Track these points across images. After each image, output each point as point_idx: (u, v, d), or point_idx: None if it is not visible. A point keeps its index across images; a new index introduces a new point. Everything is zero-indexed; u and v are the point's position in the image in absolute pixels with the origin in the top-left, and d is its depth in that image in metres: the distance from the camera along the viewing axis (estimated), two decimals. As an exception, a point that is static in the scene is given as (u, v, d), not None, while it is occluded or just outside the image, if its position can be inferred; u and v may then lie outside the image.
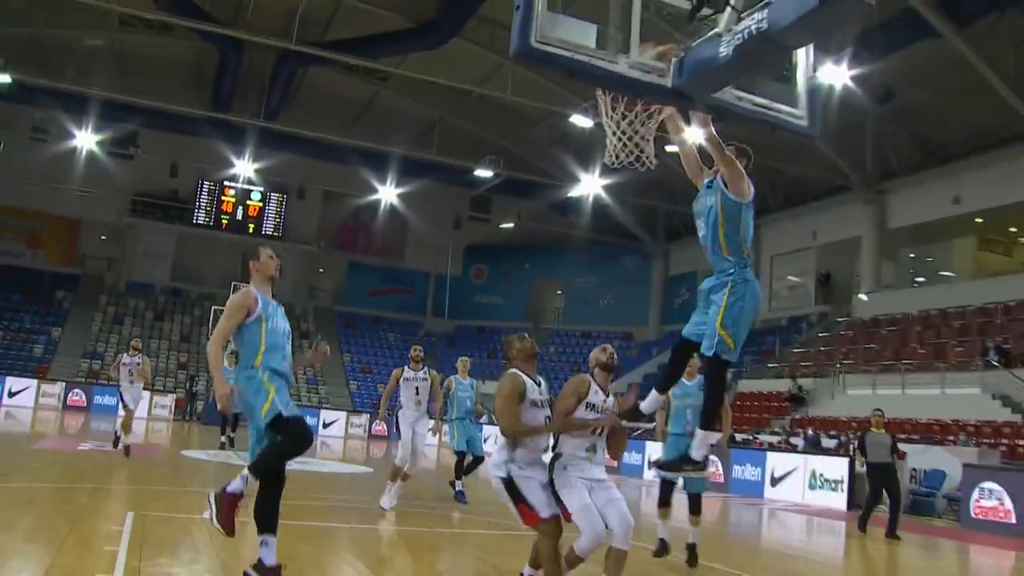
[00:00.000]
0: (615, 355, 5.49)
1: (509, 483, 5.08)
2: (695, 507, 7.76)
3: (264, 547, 5.15)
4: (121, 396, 14.12)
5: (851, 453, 18.76)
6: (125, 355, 14.28)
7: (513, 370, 5.28)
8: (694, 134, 4.91)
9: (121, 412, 13.98)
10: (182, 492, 9.82)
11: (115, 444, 13.85)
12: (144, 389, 15.49)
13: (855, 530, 12.44)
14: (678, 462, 5.21)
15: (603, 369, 5.38)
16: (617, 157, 4.67)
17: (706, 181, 5.01)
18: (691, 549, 7.67)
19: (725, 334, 4.69)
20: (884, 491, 12.52)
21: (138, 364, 14.04)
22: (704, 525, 8.24)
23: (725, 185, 4.79)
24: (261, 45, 28.33)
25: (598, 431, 5.19)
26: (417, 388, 10.56)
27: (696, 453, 4.92)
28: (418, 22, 27.74)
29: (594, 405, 5.22)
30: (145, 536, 6.57)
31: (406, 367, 10.70)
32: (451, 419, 11.70)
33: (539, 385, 5.30)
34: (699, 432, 4.90)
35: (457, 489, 11.39)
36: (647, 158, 4.56)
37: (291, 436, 5.05)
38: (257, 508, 5.18)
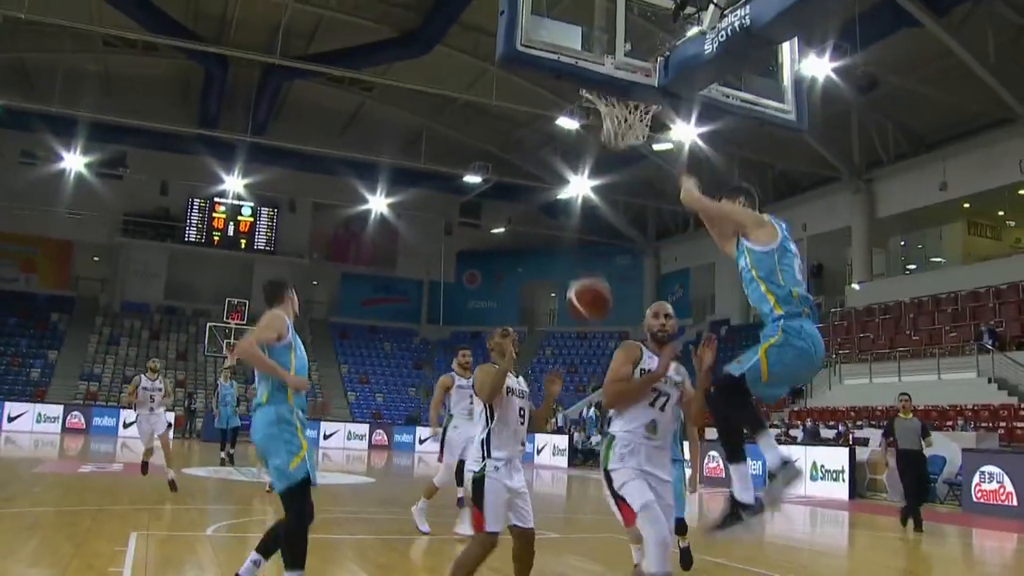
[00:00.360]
0: (670, 318, 4.72)
1: (479, 483, 4.93)
2: (681, 529, 7.01)
3: None
4: (140, 426, 12.04)
5: (850, 442, 18.88)
6: (143, 378, 12.12)
7: (486, 364, 5.27)
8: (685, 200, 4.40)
9: (133, 433, 12.86)
10: (184, 510, 9.80)
11: (171, 486, 11.07)
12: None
13: (859, 519, 12.40)
14: (730, 516, 4.20)
15: (654, 339, 4.70)
16: (621, 136, 4.40)
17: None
18: (685, 552, 7.07)
19: (764, 363, 4.01)
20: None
21: (160, 390, 11.99)
22: (708, 521, 8.16)
23: (744, 238, 4.24)
24: (246, 61, 28.35)
25: (659, 404, 4.49)
26: (471, 397, 9.21)
27: (743, 495, 4.16)
28: (400, 31, 27.78)
29: (649, 371, 4.51)
30: (149, 556, 6.57)
31: (454, 374, 9.77)
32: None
33: (516, 377, 5.24)
34: (732, 467, 4.21)
35: (460, 496, 11.24)
36: (641, 131, 4.39)
37: (302, 512, 4.89)
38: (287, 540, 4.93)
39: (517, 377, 5.24)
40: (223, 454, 17.34)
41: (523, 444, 5.24)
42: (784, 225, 4.29)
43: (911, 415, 12.06)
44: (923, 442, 11.85)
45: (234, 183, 35.31)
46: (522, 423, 5.18)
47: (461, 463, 11.24)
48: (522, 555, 5.07)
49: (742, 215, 4.25)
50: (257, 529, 8.49)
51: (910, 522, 11.63)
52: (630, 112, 4.32)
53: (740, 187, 4.38)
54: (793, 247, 4.24)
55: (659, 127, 24.71)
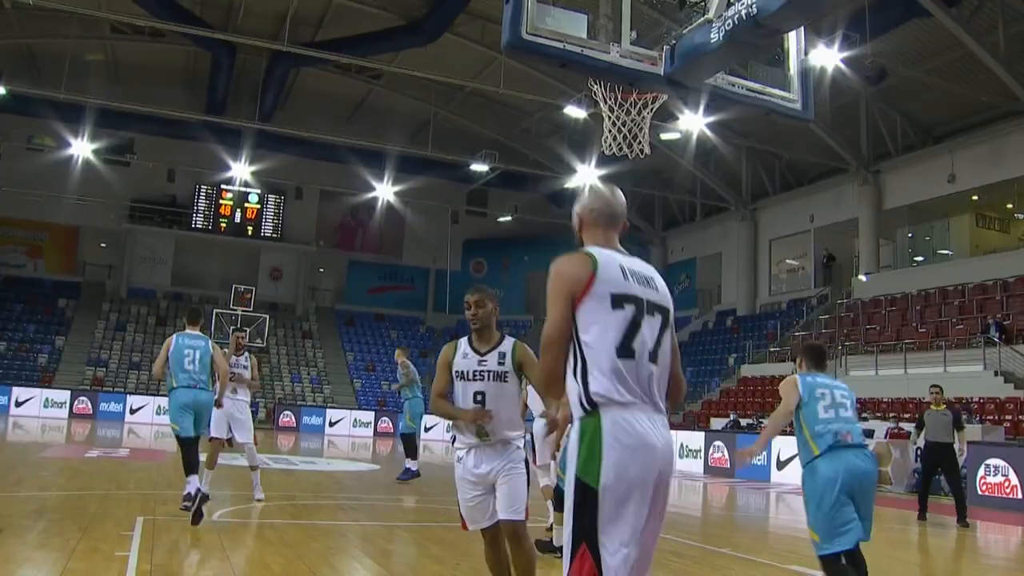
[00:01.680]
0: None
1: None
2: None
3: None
4: None
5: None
6: None
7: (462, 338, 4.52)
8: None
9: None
10: (190, 495, 9.84)
11: None
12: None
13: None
14: None
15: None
16: (618, 147, 4.53)
17: None
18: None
19: (810, 531, 4.92)
20: (940, 473, 11.91)
21: None
22: (712, 510, 8.18)
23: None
24: (253, 47, 28.32)
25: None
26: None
27: None
28: (408, 19, 27.73)
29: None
30: (155, 540, 6.61)
31: None
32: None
33: (479, 352, 4.40)
34: None
35: (411, 467, 12.62)
36: (640, 147, 4.50)
37: None
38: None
39: (484, 355, 4.37)
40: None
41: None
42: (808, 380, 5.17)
43: (943, 407, 11.94)
44: (957, 435, 11.70)
45: (241, 170, 35.34)
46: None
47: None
48: (506, 546, 4.39)
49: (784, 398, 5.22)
50: (260, 514, 8.55)
51: (963, 520, 11.61)
52: (632, 119, 4.34)
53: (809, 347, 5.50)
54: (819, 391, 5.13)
55: (667, 116, 24.64)
